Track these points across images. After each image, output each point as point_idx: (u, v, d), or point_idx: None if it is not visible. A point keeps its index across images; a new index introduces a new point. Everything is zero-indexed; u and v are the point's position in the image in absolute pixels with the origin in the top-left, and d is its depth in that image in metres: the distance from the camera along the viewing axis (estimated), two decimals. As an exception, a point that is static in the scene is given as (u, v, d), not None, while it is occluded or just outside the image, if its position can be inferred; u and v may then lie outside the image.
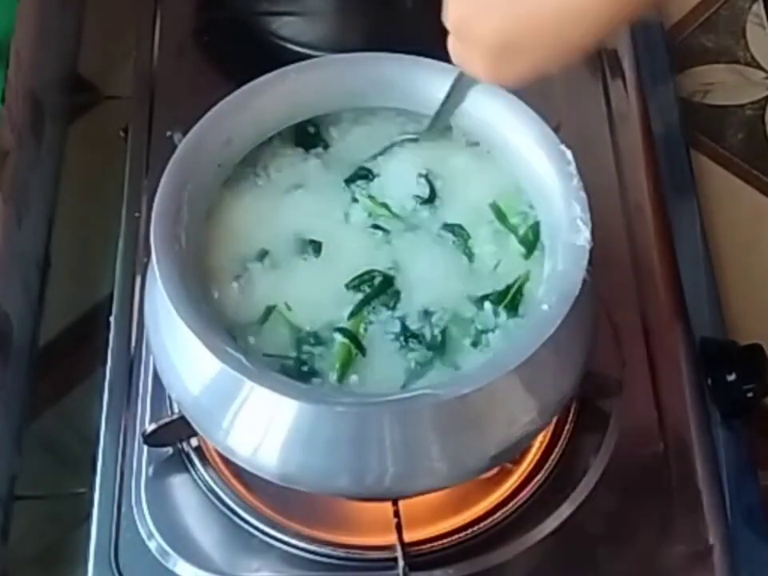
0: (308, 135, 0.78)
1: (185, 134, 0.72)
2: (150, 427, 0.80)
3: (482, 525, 0.80)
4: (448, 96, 0.74)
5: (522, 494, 0.81)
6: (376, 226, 0.75)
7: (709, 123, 1.06)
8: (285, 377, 0.66)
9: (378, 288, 0.72)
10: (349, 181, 0.77)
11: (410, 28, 1.06)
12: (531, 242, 0.73)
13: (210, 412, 0.70)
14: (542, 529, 0.80)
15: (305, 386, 0.67)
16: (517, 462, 0.81)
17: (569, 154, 0.71)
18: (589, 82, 1.03)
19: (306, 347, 0.70)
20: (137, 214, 0.93)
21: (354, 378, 0.69)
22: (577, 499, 0.81)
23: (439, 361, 0.70)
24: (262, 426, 0.68)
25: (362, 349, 0.70)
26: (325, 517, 0.80)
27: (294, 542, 0.79)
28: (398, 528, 0.77)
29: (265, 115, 0.75)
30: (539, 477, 0.81)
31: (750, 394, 0.86)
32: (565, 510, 0.80)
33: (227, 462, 0.79)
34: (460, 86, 0.73)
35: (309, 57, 0.76)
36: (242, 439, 0.70)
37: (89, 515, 0.81)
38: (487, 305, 0.72)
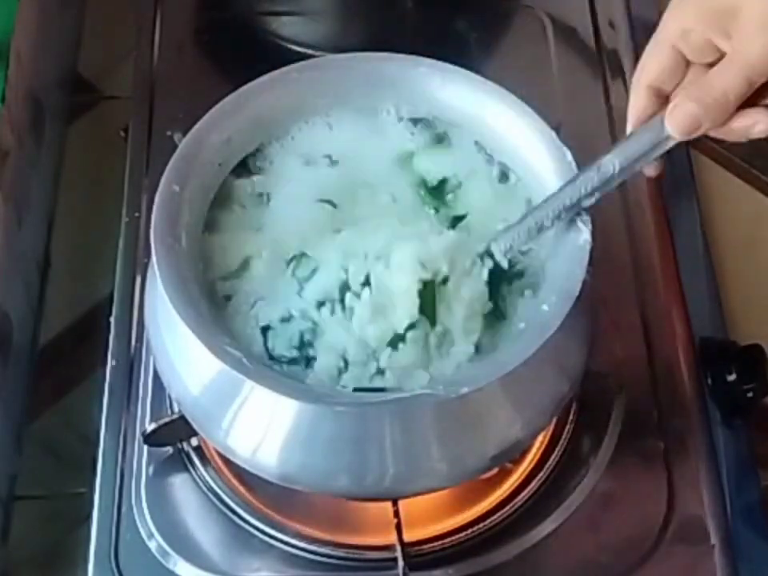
0: None
1: (185, 133, 0.72)
2: (149, 427, 0.80)
3: (481, 525, 0.80)
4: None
5: (522, 494, 0.81)
6: None
7: (709, 123, 1.06)
8: (285, 377, 0.66)
9: None
10: None
11: (410, 28, 1.07)
12: None
13: (210, 412, 0.70)
14: (541, 529, 0.80)
15: (305, 386, 0.67)
16: (517, 461, 0.81)
17: (569, 154, 0.71)
18: (589, 82, 1.03)
19: None
20: (137, 214, 0.93)
21: None
22: (577, 499, 0.81)
23: None
24: (261, 426, 0.68)
25: None
26: (325, 517, 0.80)
27: (294, 542, 0.79)
28: (398, 528, 0.77)
29: (265, 115, 0.75)
30: (539, 477, 0.82)
31: (750, 394, 0.86)
32: (565, 510, 0.80)
33: (227, 461, 0.79)
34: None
35: (309, 57, 0.76)
36: (241, 439, 0.70)
37: (89, 515, 0.80)
38: None
